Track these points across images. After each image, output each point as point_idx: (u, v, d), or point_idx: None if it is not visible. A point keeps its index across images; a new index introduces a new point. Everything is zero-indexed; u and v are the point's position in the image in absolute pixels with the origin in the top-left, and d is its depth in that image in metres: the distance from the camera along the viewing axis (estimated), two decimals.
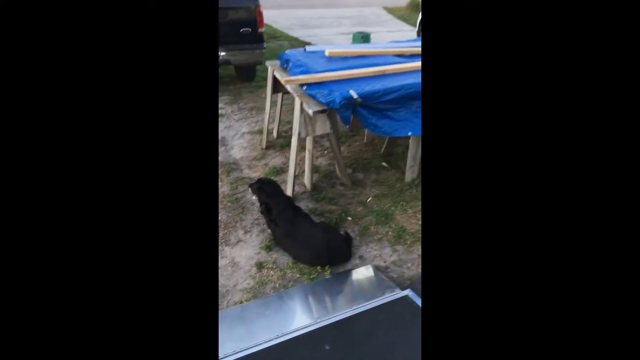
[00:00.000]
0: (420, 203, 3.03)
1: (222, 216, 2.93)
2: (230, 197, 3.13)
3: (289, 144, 3.93)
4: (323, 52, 3.26)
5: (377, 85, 2.73)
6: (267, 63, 3.65)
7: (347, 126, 2.78)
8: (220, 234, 2.76)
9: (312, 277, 2.42)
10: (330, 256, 2.50)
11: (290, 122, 4.48)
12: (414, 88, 2.73)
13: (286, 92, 3.75)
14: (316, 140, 3.33)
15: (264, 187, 2.66)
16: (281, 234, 2.60)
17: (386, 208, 3.03)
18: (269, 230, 2.77)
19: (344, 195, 3.19)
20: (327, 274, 2.44)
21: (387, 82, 2.78)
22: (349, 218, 2.93)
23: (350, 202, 3.11)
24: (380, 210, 3.00)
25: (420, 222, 2.87)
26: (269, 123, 3.79)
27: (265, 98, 5.23)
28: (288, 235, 2.57)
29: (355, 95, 2.57)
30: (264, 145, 3.87)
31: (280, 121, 4.02)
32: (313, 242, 2.50)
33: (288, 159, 3.71)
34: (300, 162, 3.69)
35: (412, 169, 3.22)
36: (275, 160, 3.70)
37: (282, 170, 3.54)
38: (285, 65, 3.34)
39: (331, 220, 2.88)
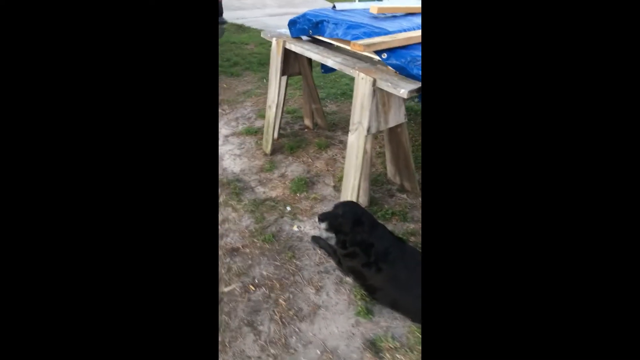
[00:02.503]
0: None
1: (268, 269, 1.86)
2: (265, 235, 2.05)
3: (299, 145, 2.93)
4: (362, 10, 2.31)
5: None
6: (265, 34, 2.58)
7: None
8: (283, 302, 1.70)
9: None
10: None
11: (286, 114, 3.42)
12: None
13: (292, 74, 2.73)
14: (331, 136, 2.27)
15: (359, 221, 1.67)
16: (389, 285, 1.65)
17: None
18: (347, 279, 1.80)
19: (416, 207, 2.32)
20: None
21: None
22: None
23: None
24: None
25: None
26: (274, 119, 2.71)
27: (228, 89, 4.10)
28: (401, 287, 1.63)
29: None
30: (268, 149, 2.80)
31: (282, 114, 2.97)
32: None
33: (308, 165, 2.71)
34: (328, 167, 2.72)
35: None
36: (292, 169, 2.66)
37: (311, 181, 2.53)
38: (307, 33, 2.31)
39: None
